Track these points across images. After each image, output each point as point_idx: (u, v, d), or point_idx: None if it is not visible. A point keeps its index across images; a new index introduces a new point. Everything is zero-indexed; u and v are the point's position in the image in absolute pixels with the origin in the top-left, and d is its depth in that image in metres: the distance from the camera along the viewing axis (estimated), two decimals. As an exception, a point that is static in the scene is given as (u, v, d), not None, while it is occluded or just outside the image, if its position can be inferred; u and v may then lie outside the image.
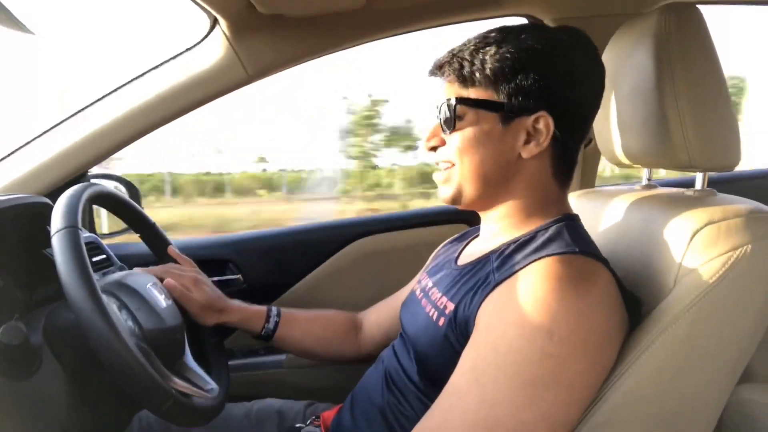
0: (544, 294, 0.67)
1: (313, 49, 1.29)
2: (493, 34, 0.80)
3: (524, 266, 0.72)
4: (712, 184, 0.84)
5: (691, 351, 0.71)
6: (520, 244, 0.78)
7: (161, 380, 0.75)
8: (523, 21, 1.41)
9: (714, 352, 0.72)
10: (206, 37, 1.25)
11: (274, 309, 1.14)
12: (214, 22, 1.22)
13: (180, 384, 0.82)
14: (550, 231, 0.78)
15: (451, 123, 0.81)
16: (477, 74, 0.79)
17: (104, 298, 0.74)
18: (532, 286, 0.68)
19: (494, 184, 0.83)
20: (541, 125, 0.78)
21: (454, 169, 0.84)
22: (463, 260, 0.91)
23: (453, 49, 0.83)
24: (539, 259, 0.71)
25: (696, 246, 0.72)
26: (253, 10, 1.13)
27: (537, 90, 0.77)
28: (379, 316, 1.18)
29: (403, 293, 1.15)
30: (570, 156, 0.84)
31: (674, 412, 0.73)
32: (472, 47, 0.80)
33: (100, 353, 0.71)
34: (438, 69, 0.85)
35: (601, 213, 0.98)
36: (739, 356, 0.74)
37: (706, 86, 0.80)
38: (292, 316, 1.16)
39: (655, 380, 0.71)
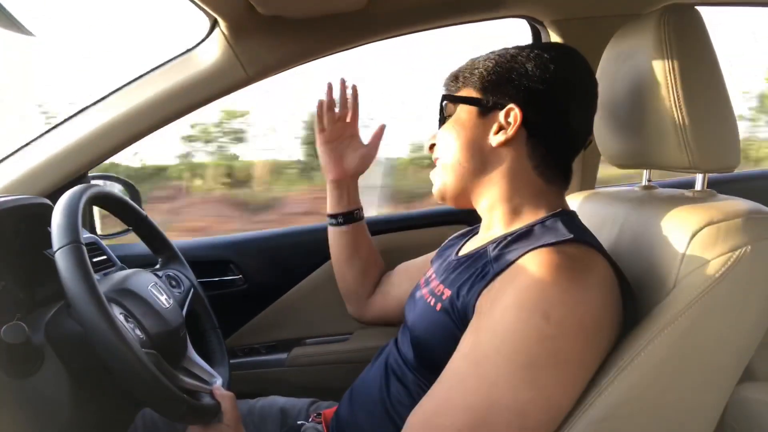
0: (540, 279, 0.69)
1: (313, 51, 1.30)
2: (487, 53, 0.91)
3: (521, 255, 0.74)
4: (712, 184, 0.84)
5: (690, 350, 0.71)
6: (516, 237, 0.81)
7: (176, 390, 0.77)
8: (523, 22, 1.42)
9: (714, 352, 0.73)
10: (206, 38, 1.25)
11: (359, 213, 1.27)
12: (214, 24, 1.22)
13: (188, 383, 0.84)
14: (546, 224, 0.81)
15: (441, 119, 0.93)
16: (461, 78, 0.91)
17: (111, 309, 0.74)
18: (529, 273, 0.71)
19: (470, 173, 0.89)
20: (510, 118, 0.85)
21: (438, 162, 0.94)
22: (462, 252, 0.94)
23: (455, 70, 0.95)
24: (536, 248, 0.73)
25: (696, 246, 0.72)
26: (253, 12, 1.13)
27: (511, 88, 0.85)
28: (397, 278, 1.25)
29: (417, 263, 1.22)
30: (553, 153, 0.87)
31: (674, 410, 0.74)
32: (470, 62, 0.91)
33: (115, 368, 0.73)
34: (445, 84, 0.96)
35: (602, 214, 0.98)
36: (739, 356, 0.74)
37: (705, 87, 0.80)
38: (363, 231, 1.28)
39: (654, 378, 0.71)
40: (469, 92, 0.89)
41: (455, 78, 0.92)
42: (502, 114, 0.85)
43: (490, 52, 0.90)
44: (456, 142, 0.89)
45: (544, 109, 0.85)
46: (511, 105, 0.84)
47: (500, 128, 0.86)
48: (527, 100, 0.84)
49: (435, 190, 0.95)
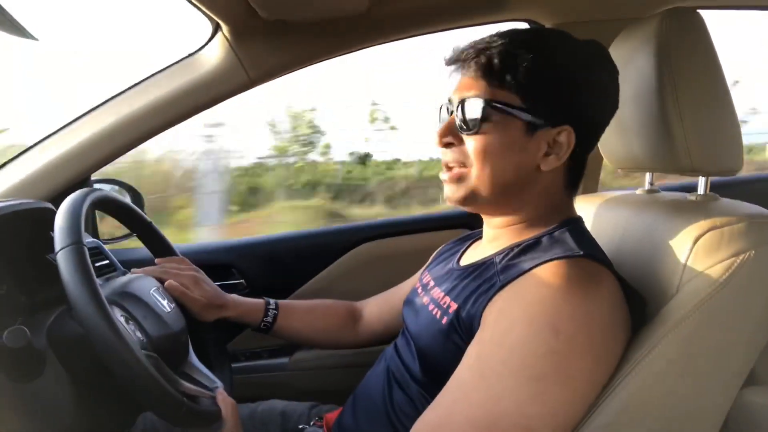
0: (550, 293, 0.68)
1: (315, 54, 1.30)
2: (523, 37, 0.79)
3: (530, 268, 0.72)
4: (715, 188, 0.84)
5: (694, 355, 0.71)
6: (525, 248, 0.79)
7: (175, 392, 0.77)
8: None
9: (717, 356, 0.73)
10: (208, 42, 1.26)
11: (272, 302, 1.15)
12: (216, 28, 1.22)
13: (188, 387, 0.84)
14: (555, 235, 0.79)
15: (476, 123, 0.77)
16: (508, 77, 0.76)
17: (112, 311, 0.74)
18: (539, 286, 0.69)
19: (509, 193, 0.81)
20: (562, 139, 0.78)
21: (469, 171, 0.80)
22: (465, 261, 0.91)
23: (478, 43, 0.79)
24: (545, 262, 0.72)
25: (699, 251, 0.72)
26: (255, 16, 1.13)
27: (566, 104, 0.77)
28: (379, 309, 1.20)
29: (403, 287, 1.17)
30: (582, 167, 0.85)
31: (678, 416, 0.73)
32: (502, 47, 0.77)
33: (114, 369, 0.72)
34: (461, 61, 0.81)
35: (604, 218, 0.98)
36: (742, 360, 0.74)
37: (707, 91, 0.80)
38: (291, 308, 1.17)
39: (658, 383, 0.71)
40: (510, 97, 0.76)
41: (489, 71, 0.77)
42: (552, 133, 0.77)
43: (524, 42, 0.77)
44: (500, 159, 0.78)
45: (592, 126, 0.80)
46: (566, 126, 0.77)
47: (548, 148, 0.78)
48: (582, 119, 0.78)
49: (457, 196, 0.82)
